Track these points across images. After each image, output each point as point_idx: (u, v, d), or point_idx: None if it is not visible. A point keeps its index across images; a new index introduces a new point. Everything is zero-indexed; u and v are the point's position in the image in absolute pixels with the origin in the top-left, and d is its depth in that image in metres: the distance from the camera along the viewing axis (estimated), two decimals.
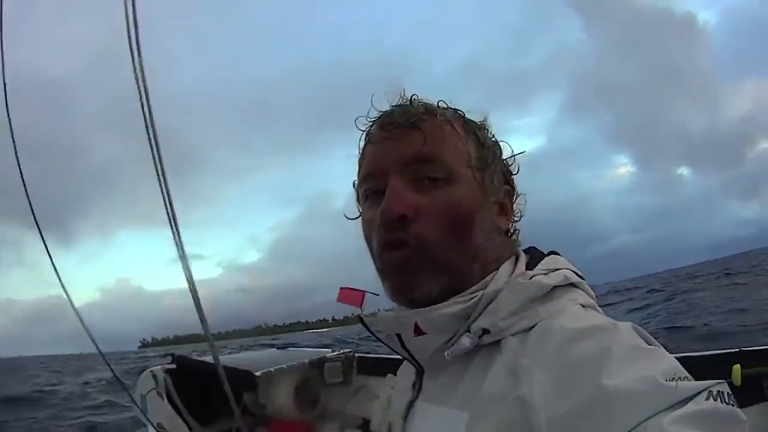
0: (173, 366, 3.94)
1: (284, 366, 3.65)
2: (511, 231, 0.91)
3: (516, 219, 0.91)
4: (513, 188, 0.91)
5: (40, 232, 2.37)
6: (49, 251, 2.37)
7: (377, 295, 0.90)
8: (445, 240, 0.78)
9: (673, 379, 0.58)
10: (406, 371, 0.94)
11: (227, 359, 4.22)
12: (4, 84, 2.33)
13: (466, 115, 0.88)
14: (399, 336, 0.82)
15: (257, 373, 3.39)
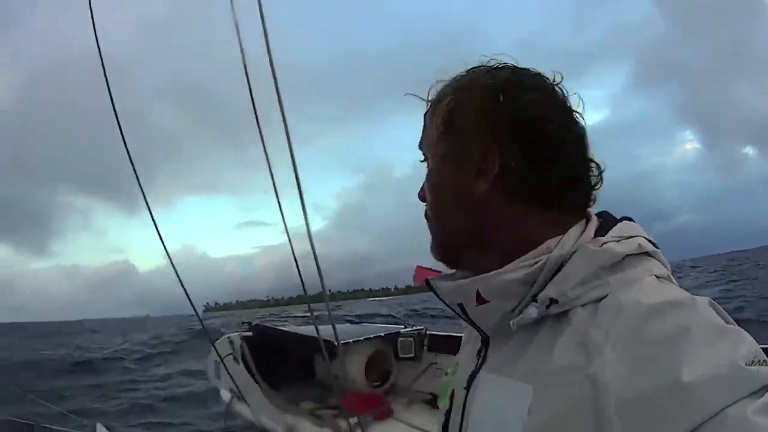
0: (249, 333, 4.17)
1: (360, 338, 3.76)
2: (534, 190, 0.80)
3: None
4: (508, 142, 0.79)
5: (146, 202, 2.52)
6: (156, 222, 2.57)
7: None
8: (429, 216, 0.88)
9: (753, 363, 0.55)
10: (471, 338, 0.92)
11: (306, 329, 4.31)
12: (101, 56, 2.47)
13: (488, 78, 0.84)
14: (461, 305, 0.80)
15: (341, 342, 3.39)
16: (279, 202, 1.79)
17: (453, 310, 0.83)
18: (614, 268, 0.70)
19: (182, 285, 2.65)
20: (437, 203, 0.86)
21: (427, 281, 0.87)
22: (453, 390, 0.87)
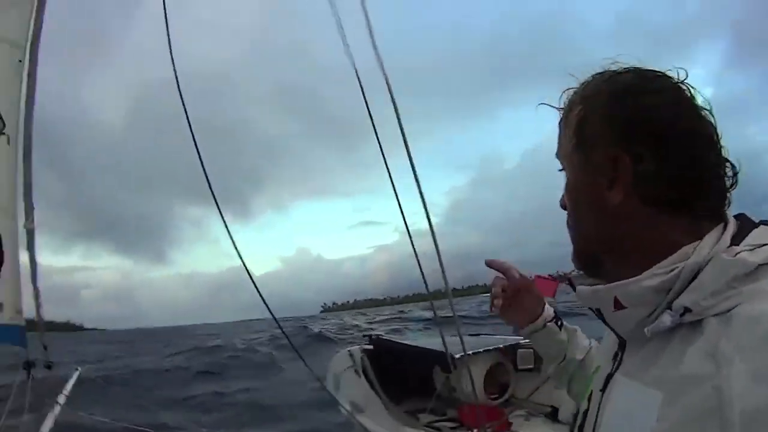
0: (370, 346, 4.24)
1: (479, 350, 3.70)
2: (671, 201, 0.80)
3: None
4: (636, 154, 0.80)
5: (219, 209, 2.59)
6: (227, 225, 2.72)
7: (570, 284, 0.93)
8: (569, 224, 0.91)
9: None
10: (608, 342, 0.94)
11: (423, 342, 4.41)
12: (176, 74, 2.53)
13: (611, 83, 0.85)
14: (598, 309, 0.83)
15: (456, 355, 3.37)
16: (399, 201, 1.83)
17: (593, 311, 0.85)
18: (748, 277, 0.70)
19: (257, 290, 2.64)
20: (574, 213, 0.89)
21: (569, 281, 0.92)
22: (591, 391, 0.89)
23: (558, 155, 0.93)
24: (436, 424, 3.53)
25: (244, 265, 2.71)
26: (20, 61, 3.29)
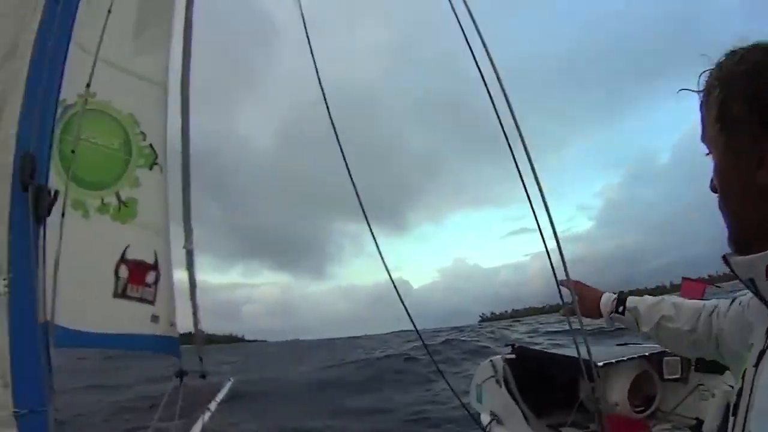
0: (512, 356, 4.16)
1: (623, 358, 3.60)
2: None
3: None
4: None
5: (369, 225, 2.72)
6: (376, 240, 2.85)
7: (719, 287, 1.06)
8: (720, 207, 0.90)
9: None
10: (761, 318, 0.91)
11: (567, 350, 4.29)
12: (324, 96, 2.69)
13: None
14: (752, 279, 0.83)
15: (599, 364, 3.39)
16: (547, 207, 1.89)
17: (746, 285, 0.85)
18: None
19: (403, 303, 2.80)
20: (724, 195, 0.89)
21: (723, 257, 0.88)
22: (745, 369, 0.87)
23: (703, 139, 0.93)
24: None
25: (391, 278, 2.90)
26: (165, 99, 3.69)
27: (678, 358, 3.64)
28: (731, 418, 0.87)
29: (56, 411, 1.87)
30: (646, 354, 3.68)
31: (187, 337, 4.19)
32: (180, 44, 3.94)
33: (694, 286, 2.97)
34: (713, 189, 0.92)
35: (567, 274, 1.78)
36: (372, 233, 2.90)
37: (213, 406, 3.94)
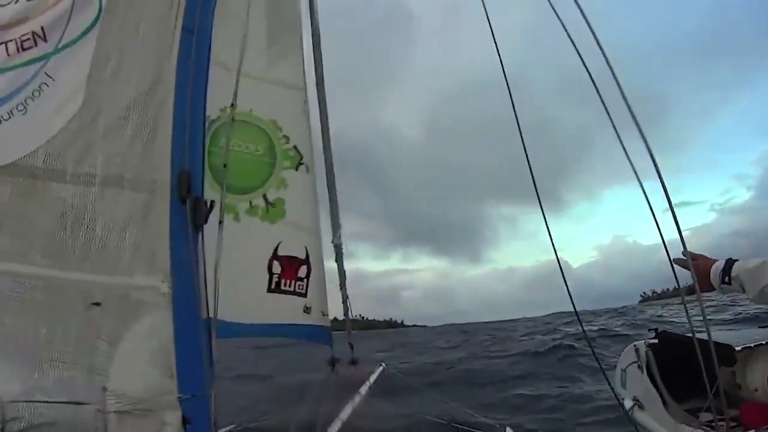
0: (655, 341, 4.10)
1: (764, 342, 3.38)
2: None
3: None
4: None
5: (540, 205, 2.87)
6: (546, 219, 2.81)
7: None
8: None
9: None
10: None
11: (716, 335, 4.01)
12: (505, 77, 2.74)
13: None
14: None
15: (737, 348, 3.25)
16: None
17: None
18: None
19: (566, 285, 2.74)
20: None
21: None
22: None
23: None
24: (716, 424, 3.17)
25: (558, 262, 2.83)
26: (305, 102, 3.92)
27: None
28: None
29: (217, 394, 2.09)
30: None
31: (342, 323, 4.43)
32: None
33: None
34: None
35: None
36: (543, 214, 2.87)
37: (363, 390, 4.13)
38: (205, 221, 2.14)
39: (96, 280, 1.93)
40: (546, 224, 2.87)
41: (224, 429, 3.89)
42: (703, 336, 2.11)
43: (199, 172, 2.19)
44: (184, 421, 1.93)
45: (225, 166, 2.86)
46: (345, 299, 4.54)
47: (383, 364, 4.89)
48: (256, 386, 11.67)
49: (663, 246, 1.83)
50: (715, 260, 1.62)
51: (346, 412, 3.87)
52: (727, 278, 1.46)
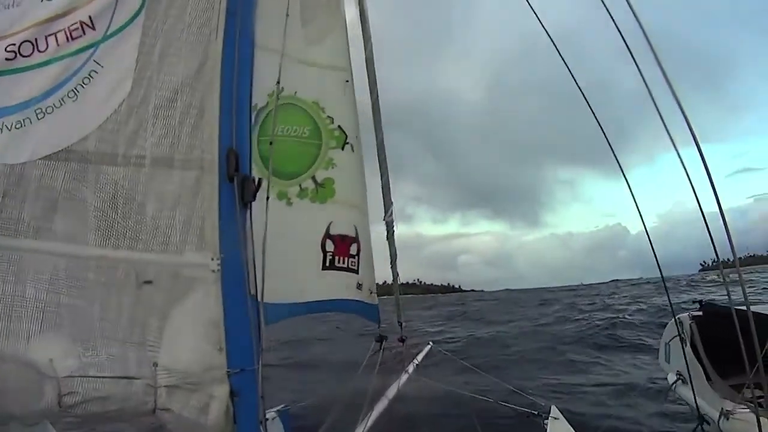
0: (700, 313, 3.98)
1: None
2: None
3: None
4: None
5: (621, 169, 2.77)
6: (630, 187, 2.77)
7: None
8: None
9: None
10: None
11: (760, 307, 3.98)
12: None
13: None
14: None
15: None
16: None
17: None
18: None
19: (653, 251, 2.80)
20: None
21: None
22: None
23: None
24: (760, 400, 3.04)
25: (644, 224, 2.85)
26: (347, 81, 3.92)
27: None
28: None
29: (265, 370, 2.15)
30: None
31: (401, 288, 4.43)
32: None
33: None
34: None
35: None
36: (625, 178, 2.81)
37: (411, 368, 4.17)
38: (253, 198, 2.18)
39: (147, 259, 2.01)
40: (632, 197, 2.82)
41: (275, 408, 4.00)
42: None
43: (246, 151, 2.24)
44: (232, 394, 2.01)
45: (271, 143, 2.90)
46: (395, 277, 4.57)
47: (431, 342, 4.91)
48: (306, 359, 11.82)
49: (721, 215, 1.75)
50: None
51: (392, 391, 3.91)
52: None
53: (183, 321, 2.01)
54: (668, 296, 3.04)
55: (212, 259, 2.06)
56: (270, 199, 2.25)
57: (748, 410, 3.00)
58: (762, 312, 3.60)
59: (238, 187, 2.10)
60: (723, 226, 1.88)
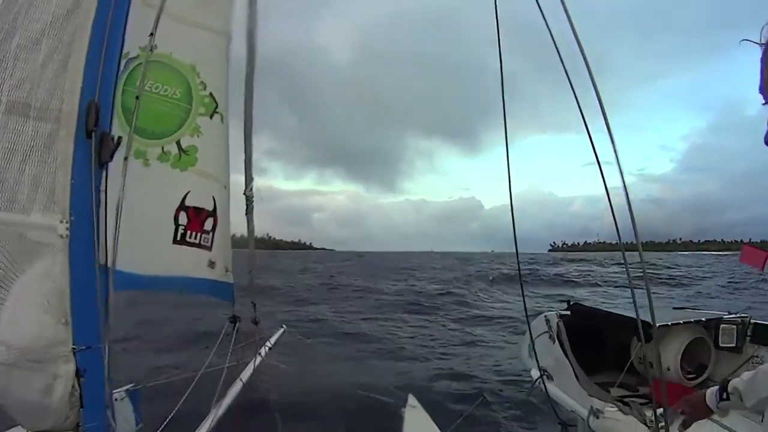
0: (567, 312, 4.18)
1: (680, 321, 3.54)
2: None
3: None
4: None
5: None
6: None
7: None
8: None
9: None
10: None
11: (623, 309, 4.28)
12: None
13: None
14: None
15: (659, 325, 3.34)
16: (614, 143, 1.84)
17: None
18: None
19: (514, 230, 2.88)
20: None
21: None
22: None
23: (761, 90, 0.90)
24: (627, 399, 3.36)
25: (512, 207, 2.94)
26: (227, 49, 3.72)
27: (734, 326, 3.55)
28: None
29: (113, 347, 1.99)
30: (703, 319, 3.62)
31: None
32: None
33: (755, 254, 2.79)
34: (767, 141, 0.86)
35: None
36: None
37: (263, 351, 4.11)
38: (111, 158, 2.01)
39: None
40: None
41: (122, 389, 3.73)
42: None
43: (109, 106, 2.05)
44: (78, 373, 1.83)
45: (137, 98, 2.68)
46: (252, 257, 4.44)
47: (284, 326, 4.88)
48: (154, 336, 11.30)
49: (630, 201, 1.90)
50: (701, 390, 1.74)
51: (245, 374, 3.82)
52: (724, 394, 1.56)
53: (25, 290, 1.79)
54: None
55: (61, 222, 1.87)
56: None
57: (616, 409, 3.18)
58: (624, 314, 3.92)
59: (96, 145, 1.93)
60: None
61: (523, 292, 3.25)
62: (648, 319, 2.26)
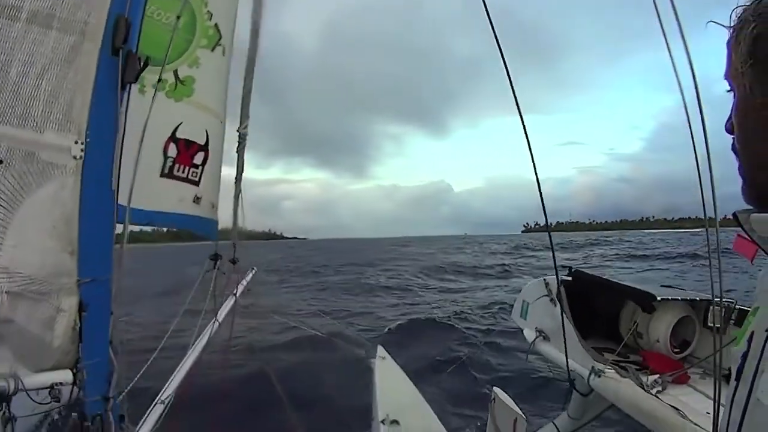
0: (569, 278, 4.27)
1: (678, 298, 3.69)
2: None
3: None
4: None
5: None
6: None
7: None
8: (737, 150, 0.86)
9: None
10: None
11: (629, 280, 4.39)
12: None
13: None
14: None
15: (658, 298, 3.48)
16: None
17: (762, 248, 0.83)
18: None
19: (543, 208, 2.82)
20: (745, 137, 0.84)
21: (734, 214, 0.85)
22: (752, 332, 0.83)
23: (726, 76, 0.87)
24: (622, 364, 3.53)
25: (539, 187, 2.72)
26: None
27: (723, 309, 3.60)
28: (733, 382, 0.86)
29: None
30: (697, 299, 3.76)
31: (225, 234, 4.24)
32: None
33: (746, 246, 2.85)
34: (729, 130, 0.89)
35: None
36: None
37: (240, 289, 4.08)
38: (135, 80, 1.89)
39: (0, 132, 1.62)
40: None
41: None
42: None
43: (138, 22, 1.91)
44: (81, 308, 1.75)
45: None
46: (238, 193, 4.34)
47: (254, 268, 4.84)
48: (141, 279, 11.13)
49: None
50: None
51: (222, 313, 3.78)
52: None
53: (31, 214, 1.66)
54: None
55: (76, 143, 1.74)
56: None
57: (614, 371, 3.30)
58: (628, 284, 4.06)
59: (122, 63, 1.80)
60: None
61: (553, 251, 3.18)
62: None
